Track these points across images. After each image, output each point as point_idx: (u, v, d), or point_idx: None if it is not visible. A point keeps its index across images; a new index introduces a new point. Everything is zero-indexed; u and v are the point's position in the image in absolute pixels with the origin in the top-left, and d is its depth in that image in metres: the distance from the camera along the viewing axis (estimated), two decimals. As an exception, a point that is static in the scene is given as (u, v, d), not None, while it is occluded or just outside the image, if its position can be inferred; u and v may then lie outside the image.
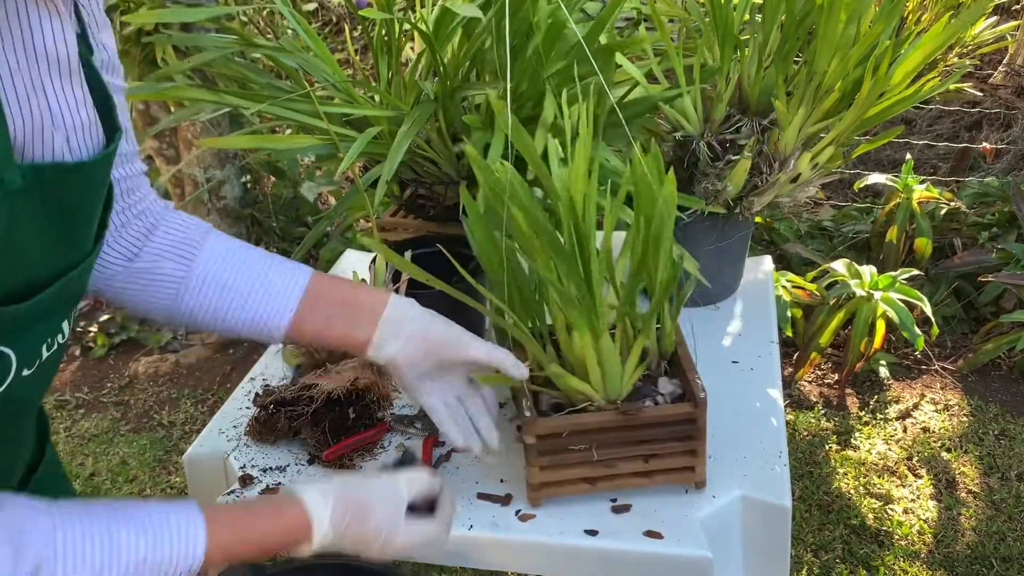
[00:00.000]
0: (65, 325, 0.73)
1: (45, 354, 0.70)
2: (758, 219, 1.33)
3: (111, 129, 0.71)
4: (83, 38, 0.70)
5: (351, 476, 0.86)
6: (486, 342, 0.95)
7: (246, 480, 1.09)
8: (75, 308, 0.75)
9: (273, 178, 3.04)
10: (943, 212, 2.84)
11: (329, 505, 0.76)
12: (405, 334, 0.91)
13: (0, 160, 0.59)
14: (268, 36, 1.33)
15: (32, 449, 0.84)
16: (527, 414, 0.95)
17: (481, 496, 1.02)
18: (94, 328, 2.99)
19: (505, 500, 1.02)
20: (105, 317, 3.02)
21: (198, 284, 0.87)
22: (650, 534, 0.97)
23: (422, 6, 1.30)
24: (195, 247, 0.88)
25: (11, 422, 0.76)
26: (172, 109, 2.56)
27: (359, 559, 1.02)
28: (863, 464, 2.26)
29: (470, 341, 0.93)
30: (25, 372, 0.68)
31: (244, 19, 1.58)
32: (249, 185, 2.97)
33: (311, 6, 3.75)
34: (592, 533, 0.97)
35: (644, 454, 1.00)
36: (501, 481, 1.06)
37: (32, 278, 0.65)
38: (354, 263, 1.61)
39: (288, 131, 1.29)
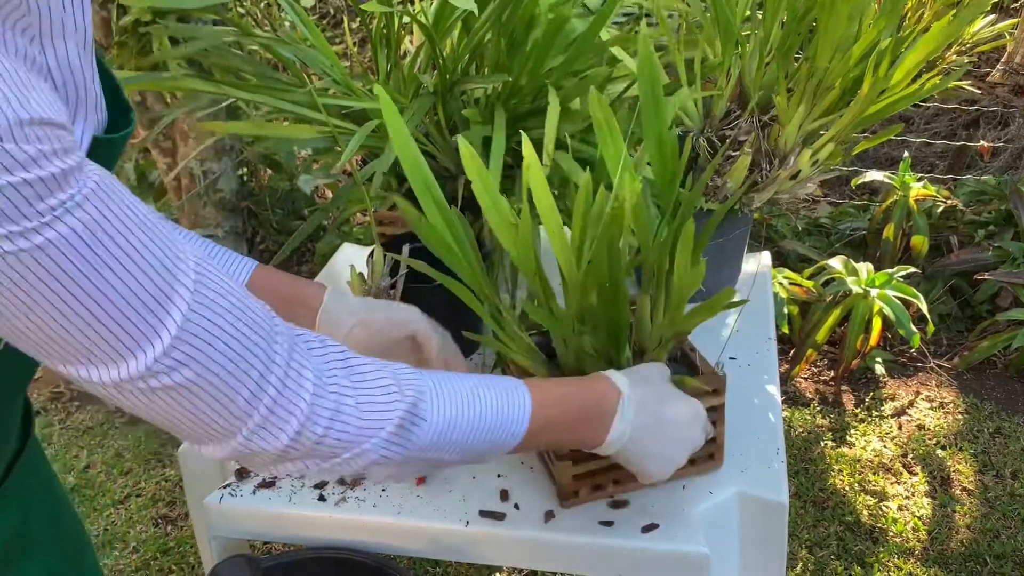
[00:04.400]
0: None
1: None
2: (756, 215, 1.33)
3: (123, 110, 0.72)
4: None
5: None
6: (428, 319, 0.99)
7: (242, 473, 1.09)
8: None
9: (270, 171, 3.03)
10: (940, 210, 2.85)
11: (630, 382, 0.85)
12: (345, 328, 0.96)
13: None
14: (266, 28, 1.32)
15: (17, 438, 0.83)
16: None
17: (483, 513, 1.02)
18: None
19: (499, 517, 1.02)
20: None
21: None
22: (647, 529, 0.97)
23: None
24: None
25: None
26: (168, 101, 2.55)
27: (356, 552, 1.02)
28: (858, 461, 2.27)
29: (412, 319, 0.98)
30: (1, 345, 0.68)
31: (242, 10, 1.57)
32: (245, 178, 2.96)
33: (309, 1, 3.74)
34: (607, 524, 0.98)
35: None
36: (498, 476, 1.06)
37: None
38: (351, 256, 1.60)
39: (285, 123, 1.28)
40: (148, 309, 0.55)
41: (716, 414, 1.00)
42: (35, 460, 0.87)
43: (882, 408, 2.45)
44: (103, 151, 0.69)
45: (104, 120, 0.69)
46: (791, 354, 2.54)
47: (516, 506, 1.02)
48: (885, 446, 2.32)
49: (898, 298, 2.37)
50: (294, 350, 0.64)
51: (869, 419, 2.42)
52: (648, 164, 0.96)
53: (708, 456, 1.03)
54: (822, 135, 1.26)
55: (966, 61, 3.06)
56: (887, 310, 2.36)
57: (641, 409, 0.84)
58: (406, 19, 1.26)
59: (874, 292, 2.39)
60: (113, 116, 0.71)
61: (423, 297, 1.07)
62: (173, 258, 0.57)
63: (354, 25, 3.51)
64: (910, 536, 2.03)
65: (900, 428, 2.38)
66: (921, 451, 2.29)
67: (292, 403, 0.63)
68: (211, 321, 0.58)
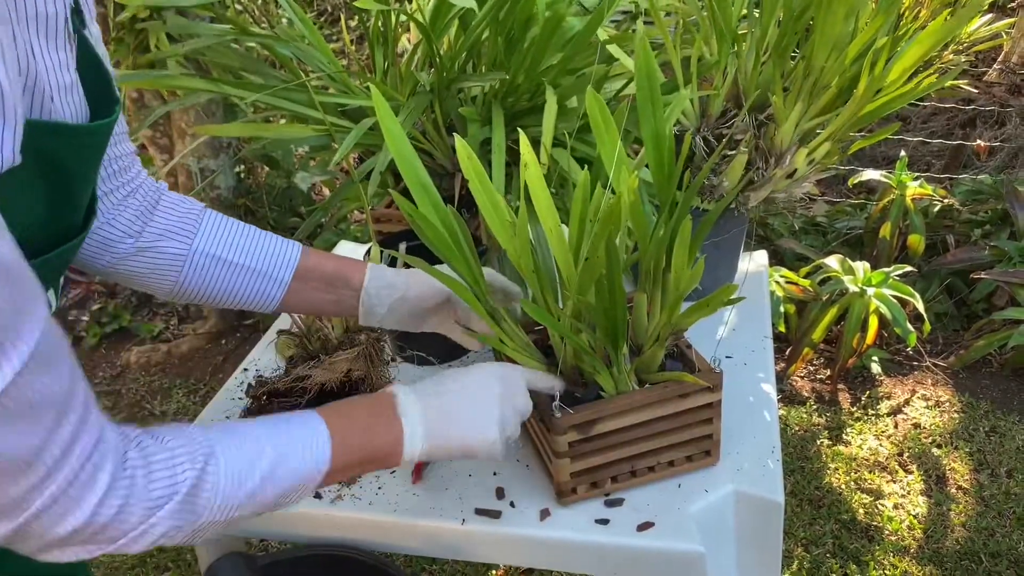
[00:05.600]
0: (52, 296, 0.74)
1: None
2: (752, 214, 1.33)
3: (110, 101, 0.72)
4: (77, 12, 0.70)
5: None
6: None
7: (238, 471, 1.09)
8: (61, 280, 0.77)
9: (267, 168, 3.03)
10: (936, 209, 2.85)
11: (410, 387, 0.85)
12: (387, 303, 1.01)
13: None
14: (263, 25, 1.32)
15: None
16: (557, 415, 0.94)
17: (479, 511, 1.02)
18: (86, 317, 2.98)
19: (495, 515, 1.02)
20: (97, 306, 3.01)
21: (200, 260, 0.95)
22: (643, 528, 0.97)
23: (419, -3, 1.29)
24: (194, 225, 0.96)
25: None
26: (165, 98, 2.55)
27: (352, 550, 1.02)
28: (854, 460, 2.27)
29: (443, 286, 1.00)
30: None
31: (239, 7, 1.57)
32: (243, 175, 2.96)
33: (306, -4, 3.73)
34: (603, 522, 0.98)
35: (665, 444, 1.01)
36: (494, 474, 1.07)
37: (22, 240, 0.65)
38: (348, 254, 1.60)
39: (283, 121, 1.28)
40: None
41: (713, 411, 1.00)
42: None
43: (878, 407, 2.46)
44: (87, 139, 0.69)
45: (83, 110, 0.70)
46: (787, 353, 2.54)
47: (512, 504, 1.02)
48: (881, 444, 2.32)
49: (894, 297, 2.38)
50: (98, 445, 0.63)
51: (865, 418, 2.42)
52: (646, 166, 0.97)
53: (704, 453, 1.03)
54: (818, 134, 1.26)
55: (963, 60, 3.07)
56: (883, 309, 2.36)
57: (422, 394, 0.85)
58: (403, 17, 1.26)
59: (870, 291, 2.40)
60: (101, 105, 0.71)
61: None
62: (10, 329, 0.55)
63: (351, 23, 3.51)
64: (906, 534, 2.04)
65: (896, 427, 2.39)
66: (917, 449, 2.29)
67: (81, 497, 0.62)
68: (26, 401, 0.57)
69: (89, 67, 0.71)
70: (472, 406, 0.86)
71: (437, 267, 0.98)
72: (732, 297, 0.87)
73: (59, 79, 0.66)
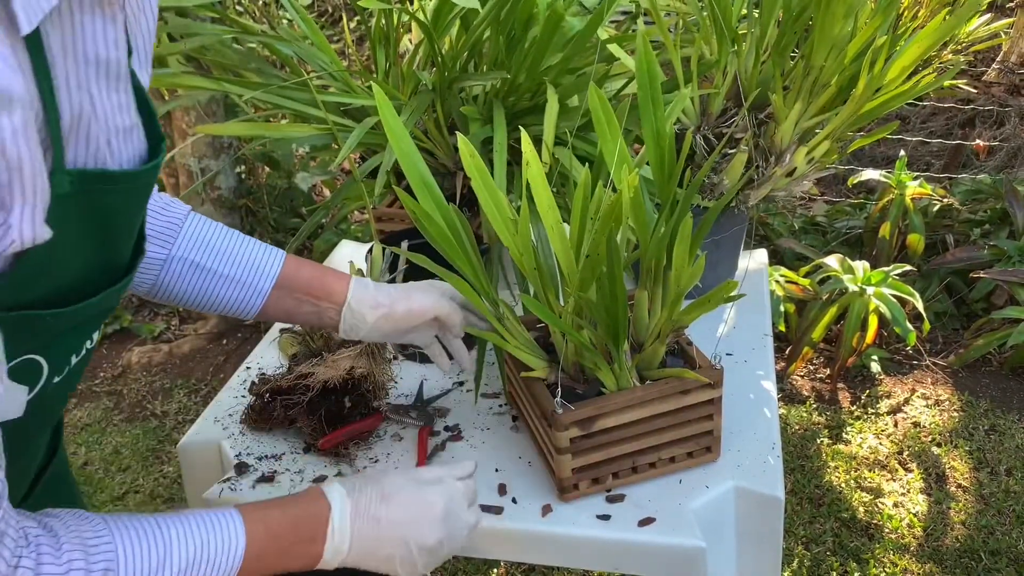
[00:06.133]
0: (96, 334, 0.74)
1: (73, 360, 0.70)
2: (752, 213, 1.34)
3: (158, 139, 0.71)
4: (129, 53, 0.69)
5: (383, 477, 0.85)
6: (448, 295, 1.02)
7: (242, 468, 1.09)
8: (104, 320, 0.76)
9: (267, 168, 3.03)
10: (936, 209, 2.86)
11: (339, 480, 0.81)
12: (369, 322, 0.99)
13: (55, 163, 0.58)
14: (263, 25, 1.33)
15: (45, 453, 0.84)
16: (558, 411, 0.95)
17: (481, 507, 1.02)
18: (87, 317, 2.98)
19: (497, 511, 1.02)
20: (98, 306, 3.01)
21: (177, 266, 0.93)
22: (644, 523, 0.97)
23: (420, -4, 1.30)
24: (174, 229, 0.94)
25: (37, 428, 0.76)
26: (166, 96, 2.55)
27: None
28: (854, 458, 2.28)
29: (432, 305, 1.00)
30: (56, 379, 0.68)
31: (240, 8, 1.57)
32: (243, 175, 2.96)
33: (307, -2, 3.74)
34: (605, 518, 0.98)
35: (666, 440, 1.01)
36: (496, 470, 1.07)
37: (72, 286, 0.64)
38: (350, 254, 1.61)
39: (284, 121, 1.29)
40: None
41: (714, 407, 1.01)
42: (61, 472, 0.88)
43: (878, 405, 2.46)
44: (138, 182, 0.68)
45: (142, 152, 0.69)
46: (787, 352, 2.55)
47: (514, 500, 1.02)
48: (881, 443, 2.33)
49: (894, 296, 2.38)
50: (1, 540, 0.61)
51: (865, 416, 2.43)
52: (647, 164, 0.97)
53: (705, 449, 1.04)
54: (818, 133, 1.26)
55: (961, 60, 3.07)
56: (883, 308, 2.37)
57: (356, 516, 0.79)
58: (405, 16, 1.26)
59: (870, 290, 2.40)
60: (150, 145, 0.70)
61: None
62: None
63: (353, 23, 3.51)
64: (905, 532, 2.04)
65: (896, 425, 2.39)
66: (917, 448, 2.30)
67: None
68: None
69: (143, 108, 0.70)
70: (408, 543, 0.81)
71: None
72: (732, 294, 0.88)
73: (119, 122, 0.65)
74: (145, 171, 0.68)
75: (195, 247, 0.94)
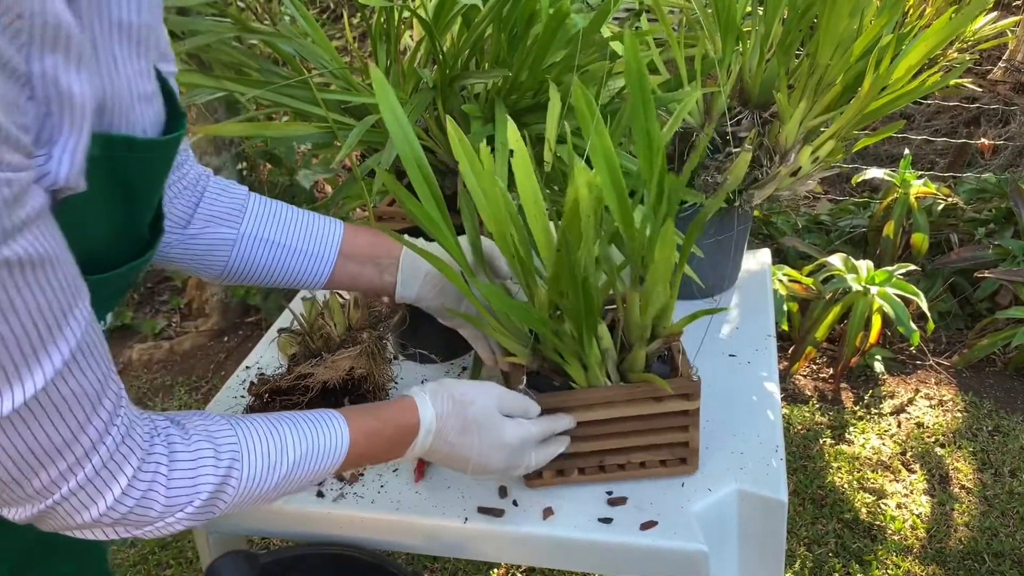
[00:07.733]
0: (109, 316, 0.75)
1: None
2: (756, 212, 1.33)
3: (178, 114, 0.72)
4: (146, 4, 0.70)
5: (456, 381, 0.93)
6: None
7: (240, 469, 1.09)
8: (122, 299, 0.76)
9: (269, 166, 3.03)
10: (940, 208, 2.85)
11: (431, 391, 0.88)
12: (422, 275, 1.03)
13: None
14: (265, 22, 1.32)
15: None
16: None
17: (481, 510, 1.02)
18: (88, 314, 2.98)
19: (498, 513, 1.01)
20: (99, 303, 3.01)
21: (247, 243, 0.97)
22: (646, 527, 0.96)
23: (422, -7, 1.29)
24: (240, 209, 0.97)
25: None
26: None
27: (354, 548, 1.02)
28: (857, 459, 2.27)
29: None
30: None
31: (241, 5, 1.57)
32: (245, 172, 2.96)
33: (309, -7, 3.73)
34: (606, 521, 0.98)
35: (637, 444, 1.00)
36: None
37: (99, 251, 0.65)
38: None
39: (285, 118, 1.28)
40: (23, 356, 0.55)
41: (689, 419, 0.99)
42: None
43: (881, 406, 2.45)
44: (159, 153, 0.69)
45: (161, 120, 0.70)
46: (790, 351, 2.54)
47: (515, 502, 1.02)
48: (884, 444, 2.32)
49: (898, 296, 2.37)
50: (130, 431, 0.66)
51: (868, 417, 2.42)
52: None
53: (680, 460, 1.02)
54: (823, 132, 1.25)
55: (967, 58, 3.06)
56: (887, 308, 2.36)
57: (437, 438, 0.88)
58: (406, 14, 1.25)
59: (874, 289, 2.39)
60: (170, 118, 0.71)
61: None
62: (60, 321, 0.57)
63: (354, 20, 3.50)
64: (908, 534, 2.03)
65: (899, 426, 2.38)
66: (920, 449, 2.29)
67: (103, 489, 0.64)
68: (62, 395, 0.58)
69: (160, 80, 0.71)
70: (481, 460, 0.90)
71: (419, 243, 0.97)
72: (715, 308, 0.88)
73: (141, 88, 0.66)
74: (167, 141, 0.69)
75: (263, 224, 0.98)
